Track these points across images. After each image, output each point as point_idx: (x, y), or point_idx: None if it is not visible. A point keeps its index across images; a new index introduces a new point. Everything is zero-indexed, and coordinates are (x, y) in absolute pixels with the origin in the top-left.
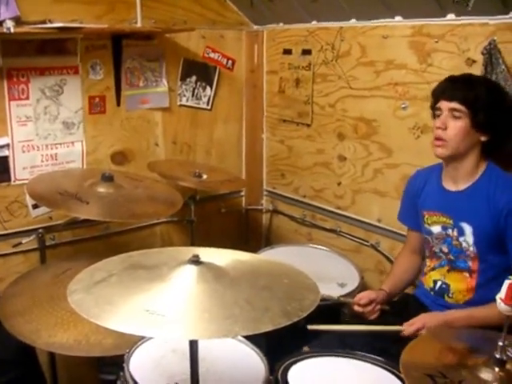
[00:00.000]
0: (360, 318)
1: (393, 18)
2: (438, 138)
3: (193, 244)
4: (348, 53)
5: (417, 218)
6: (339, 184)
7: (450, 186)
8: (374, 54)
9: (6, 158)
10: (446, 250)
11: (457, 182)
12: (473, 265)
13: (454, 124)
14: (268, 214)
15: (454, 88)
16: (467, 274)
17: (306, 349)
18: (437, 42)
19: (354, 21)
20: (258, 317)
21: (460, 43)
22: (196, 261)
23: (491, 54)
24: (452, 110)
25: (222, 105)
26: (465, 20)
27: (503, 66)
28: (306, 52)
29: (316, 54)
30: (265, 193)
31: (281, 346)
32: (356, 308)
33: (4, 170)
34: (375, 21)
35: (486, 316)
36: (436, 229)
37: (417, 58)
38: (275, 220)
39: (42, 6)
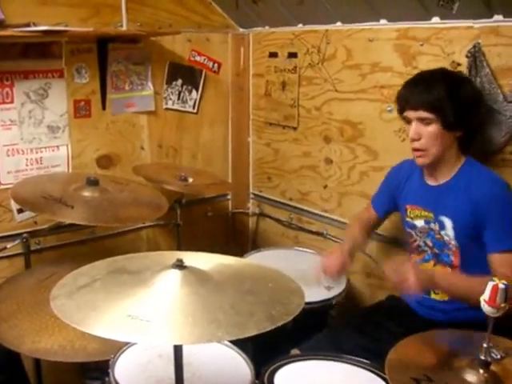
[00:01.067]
0: (348, 320)
1: (378, 21)
2: (415, 149)
3: (179, 248)
4: (334, 56)
5: (386, 205)
6: (325, 187)
7: (430, 180)
8: (360, 56)
9: None
10: (430, 243)
11: (436, 177)
12: (455, 259)
13: (427, 131)
14: (254, 217)
15: (416, 94)
16: (449, 269)
17: (293, 352)
18: (422, 45)
19: (339, 24)
20: (242, 321)
21: (445, 46)
22: (180, 265)
23: (475, 56)
24: (420, 118)
25: (208, 108)
26: (450, 23)
27: (487, 69)
28: (292, 55)
29: (302, 57)
30: (251, 196)
31: (267, 350)
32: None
33: None
34: (360, 24)
35: (469, 286)
36: (419, 223)
37: (402, 60)
38: (262, 223)
39: (27, 9)
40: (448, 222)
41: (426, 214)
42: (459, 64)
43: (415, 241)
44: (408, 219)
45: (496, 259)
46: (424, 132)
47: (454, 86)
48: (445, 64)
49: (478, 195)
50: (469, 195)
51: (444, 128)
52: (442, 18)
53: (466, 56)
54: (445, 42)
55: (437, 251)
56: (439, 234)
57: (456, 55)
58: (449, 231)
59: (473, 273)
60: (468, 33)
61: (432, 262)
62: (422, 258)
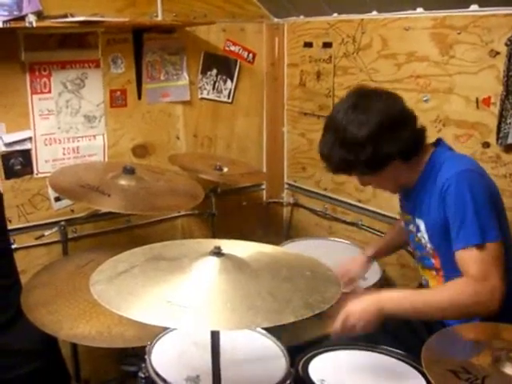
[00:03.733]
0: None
1: (414, 9)
2: None
3: (214, 237)
4: (369, 45)
5: None
6: None
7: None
8: (396, 46)
9: (28, 151)
10: (413, 246)
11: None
12: (435, 262)
13: (362, 181)
14: (289, 207)
15: (327, 165)
16: (434, 272)
17: (327, 342)
18: (459, 33)
19: (375, 13)
20: (280, 308)
21: (483, 34)
22: (218, 252)
23: None
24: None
25: (243, 98)
26: (488, 11)
27: None
28: (327, 45)
29: (337, 47)
30: (286, 186)
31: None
32: None
33: (27, 163)
34: (396, 13)
35: (427, 300)
36: (405, 225)
37: (439, 49)
38: (296, 213)
39: (64, 0)
40: (422, 224)
41: (407, 216)
42: (498, 52)
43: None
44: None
45: (460, 257)
46: (365, 182)
47: (348, 137)
48: (483, 52)
49: (440, 187)
50: (435, 192)
51: (370, 174)
52: (480, 6)
53: (506, 44)
54: (483, 30)
55: (419, 254)
56: (417, 236)
57: (495, 43)
58: (423, 233)
59: (457, 273)
60: (507, 20)
61: (420, 264)
62: (416, 259)
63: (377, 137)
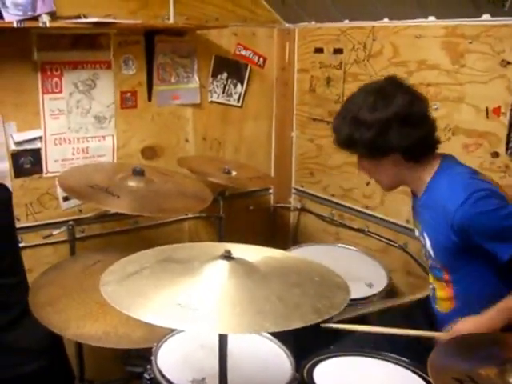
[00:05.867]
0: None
1: (426, 17)
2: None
3: (221, 240)
4: (380, 52)
5: None
6: (368, 184)
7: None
8: (407, 54)
9: (38, 150)
10: (425, 254)
11: (415, 192)
12: (445, 275)
13: (361, 165)
14: (296, 212)
15: (335, 138)
16: (444, 284)
17: (332, 348)
18: (470, 42)
19: (386, 20)
20: (288, 313)
21: (495, 44)
22: (228, 256)
23: None
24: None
25: (253, 102)
26: (500, 21)
27: None
28: (338, 51)
29: (347, 53)
30: (293, 191)
31: (307, 345)
32: None
33: (36, 162)
34: (408, 20)
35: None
36: (416, 231)
37: (450, 58)
38: (303, 218)
39: (77, 1)
40: (427, 240)
41: (418, 225)
42: (509, 62)
43: None
44: None
45: None
46: (363, 166)
47: (360, 117)
48: (494, 62)
49: (451, 217)
50: (442, 217)
51: (369, 158)
52: (492, 15)
53: None
54: (495, 39)
55: (429, 263)
56: (425, 247)
57: (506, 53)
58: (429, 249)
59: (469, 289)
60: None
61: (430, 274)
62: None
63: (386, 124)
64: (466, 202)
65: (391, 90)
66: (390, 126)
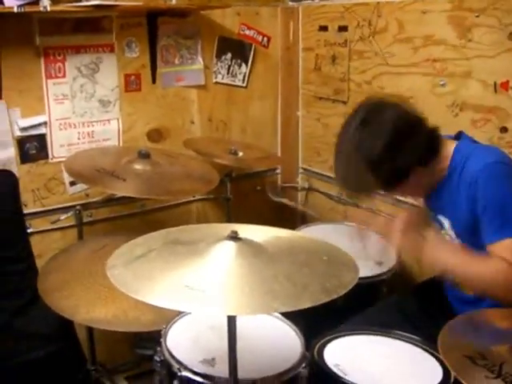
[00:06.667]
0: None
1: None
2: None
3: (229, 221)
4: (385, 29)
5: None
6: None
7: None
8: (412, 29)
9: (43, 135)
10: None
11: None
12: None
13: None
14: (304, 191)
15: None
16: None
17: (343, 326)
18: (477, 16)
19: None
20: (297, 293)
21: (502, 17)
22: (234, 237)
23: None
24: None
25: (258, 82)
26: None
27: None
28: (342, 28)
29: (352, 31)
30: (300, 170)
31: (317, 324)
32: None
33: (42, 147)
34: None
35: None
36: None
37: (456, 33)
38: (311, 198)
39: None
40: (446, 222)
41: (430, 212)
42: None
43: None
44: None
45: (498, 248)
46: (393, 194)
47: (367, 159)
48: (502, 36)
49: (468, 182)
50: (464, 187)
51: (397, 187)
52: None
53: None
54: (502, 12)
55: None
56: (441, 232)
57: None
58: (448, 231)
59: None
60: None
61: None
62: None
63: (393, 148)
64: (486, 166)
65: (374, 115)
66: (397, 146)
